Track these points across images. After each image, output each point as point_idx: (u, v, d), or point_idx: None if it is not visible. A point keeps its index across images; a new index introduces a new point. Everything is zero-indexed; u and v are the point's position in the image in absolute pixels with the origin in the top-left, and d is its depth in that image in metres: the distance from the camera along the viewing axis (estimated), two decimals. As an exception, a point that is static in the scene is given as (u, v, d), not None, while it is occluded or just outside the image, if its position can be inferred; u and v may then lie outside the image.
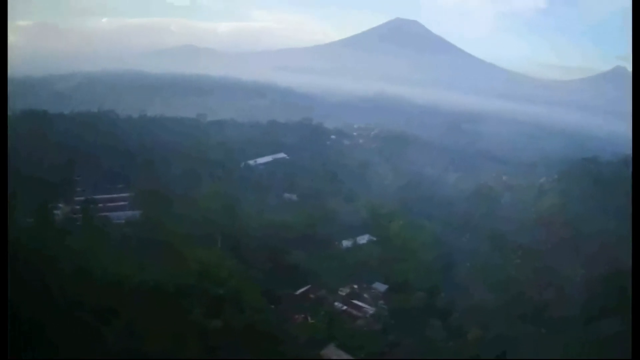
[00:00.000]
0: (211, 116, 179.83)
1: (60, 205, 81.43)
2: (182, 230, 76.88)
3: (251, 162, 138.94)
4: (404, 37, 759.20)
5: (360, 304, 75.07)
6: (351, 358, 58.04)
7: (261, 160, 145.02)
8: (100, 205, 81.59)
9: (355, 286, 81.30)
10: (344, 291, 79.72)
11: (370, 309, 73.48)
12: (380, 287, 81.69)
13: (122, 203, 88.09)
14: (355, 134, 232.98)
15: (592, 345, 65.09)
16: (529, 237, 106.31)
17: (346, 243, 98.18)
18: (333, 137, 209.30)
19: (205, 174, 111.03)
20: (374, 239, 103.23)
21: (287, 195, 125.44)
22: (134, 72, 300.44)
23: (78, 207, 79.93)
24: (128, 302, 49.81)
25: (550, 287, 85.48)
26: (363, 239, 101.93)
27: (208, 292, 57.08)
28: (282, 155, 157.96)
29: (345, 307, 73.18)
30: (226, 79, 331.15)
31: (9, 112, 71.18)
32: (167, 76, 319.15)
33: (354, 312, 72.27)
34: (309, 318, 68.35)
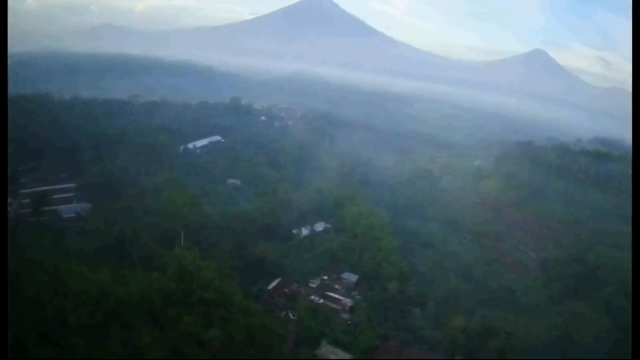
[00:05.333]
0: (142, 97, 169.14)
1: (8, 200, 71.75)
2: (142, 224, 70.92)
3: (190, 145, 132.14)
4: (317, 15, 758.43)
5: (335, 296, 73.15)
6: (351, 357, 56.19)
7: (199, 143, 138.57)
8: (48, 197, 72.91)
9: (325, 277, 79.16)
10: (314, 283, 77.49)
11: (347, 301, 71.73)
12: (351, 277, 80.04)
13: (69, 194, 79.35)
14: (282, 114, 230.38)
15: (560, 325, 67.68)
16: (477, 221, 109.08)
17: (305, 231, 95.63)
18: (263, 118, 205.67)
19: (148, 159, 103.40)
20: (329, 226, 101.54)
21: (231, 180, 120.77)
22: (59, 53, 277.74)
23: (26, 201, 70.87)
24: (116, 316, 44.62)
25: (509, 270, 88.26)
26: (319, 227, 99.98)
27: (194, 297, 52.43)
28: (217, 137, 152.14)
29: (322, 300, 70.94)
30: (147, 59, 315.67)
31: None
32: (91, 56, 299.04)
33: (332, 304, 70.30)
34: (291, 314, 65.54)
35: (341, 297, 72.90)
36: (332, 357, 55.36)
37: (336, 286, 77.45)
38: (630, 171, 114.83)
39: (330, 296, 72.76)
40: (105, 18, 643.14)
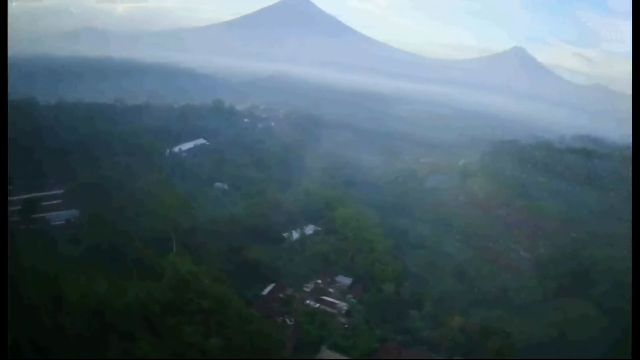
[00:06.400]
0: (126, 100, 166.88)
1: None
2: (133, 228, 69.36)
3: (176, 149, 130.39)
4: (296, 16, 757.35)
5: (331, 299, 72.52)
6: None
7: (184, 146, 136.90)
8: (37, 204, 71.07)
9: (319, 281, 78.50)
10: (308, 287, 76.80)
11: (343, 305, 71.17)
12: (345, 280, 79.52)
13: (57, 201, 77.36)
14: (264, 116, 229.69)
15: (556, 323, 68.07)
16: (467, 220, 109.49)
17: (295, 234, 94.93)
18: (246, 120, 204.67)
19: (136, 163, 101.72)
20: (319, 228, 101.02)
21: (218, 184, 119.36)
22: (42, 57, 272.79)
23: (14, 208, 68.57)
24: (115, 326, 43.40)
25: (502, 269, 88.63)
26: (309, 230, 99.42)
27: (192, 305, 51.38)
28: (201, 141, 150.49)
29: (317, 305, 70.17)
30: (130, 61, 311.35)
31: None
32: (74, 59, 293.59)
33: (329, 309, 69.55)
34: (287, 319, 64.75)
35: (337, 301, 72.30)
36: (334, 361, 54.92)
37: (330, 289, 76.85)
38: (617, 168, 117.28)
39: (326, 300, 72.07)
40: (87, 21, 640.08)
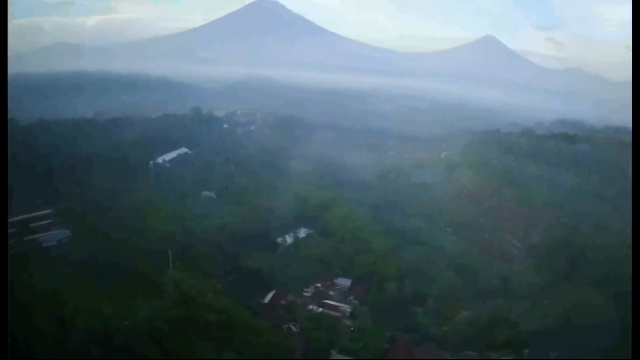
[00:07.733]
0: (105, 114, 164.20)
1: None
2: (128, 246, 67.88)
3: (159, 160, 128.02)
4: (265, 18, 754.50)
5: (334, 303, 71.74)
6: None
7: (167, 157, 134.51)
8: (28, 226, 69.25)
9: (319, 285, 77.69)
10: (308, 292, 76.03)
11: (347, 307, 70.48)
12: (344, 282, 78.90)
13: (47, 222, 75.27)
14: (243, 120, 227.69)
15: (560, 310, 68.19)
16: (459, 213, 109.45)
17: (289, 239, 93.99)
18: (226, 125, 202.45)
19: (122, 177, 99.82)
20: (311, 231, 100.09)
21: (205, 193, 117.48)
22: (17, 75, 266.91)
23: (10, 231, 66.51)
24: (125, 349, 42.27)
25: (499, 260, 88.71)
26: (302, 233, 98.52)
27: (200, 320, 50.34)
28: (184, 150, 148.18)
29: (321, 309, 69.28)
30: (106, 74, 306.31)
31: None
32: (49, 75, 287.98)
33: (332, 312, 68.74)
34: (293, 326, 63.89)
35: (339, 304, 71.61)
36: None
37: (331, 292, 76.24)
38: (600, 150, 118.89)
39: (329, 304, 71.27)
40: (60, 36, 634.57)
